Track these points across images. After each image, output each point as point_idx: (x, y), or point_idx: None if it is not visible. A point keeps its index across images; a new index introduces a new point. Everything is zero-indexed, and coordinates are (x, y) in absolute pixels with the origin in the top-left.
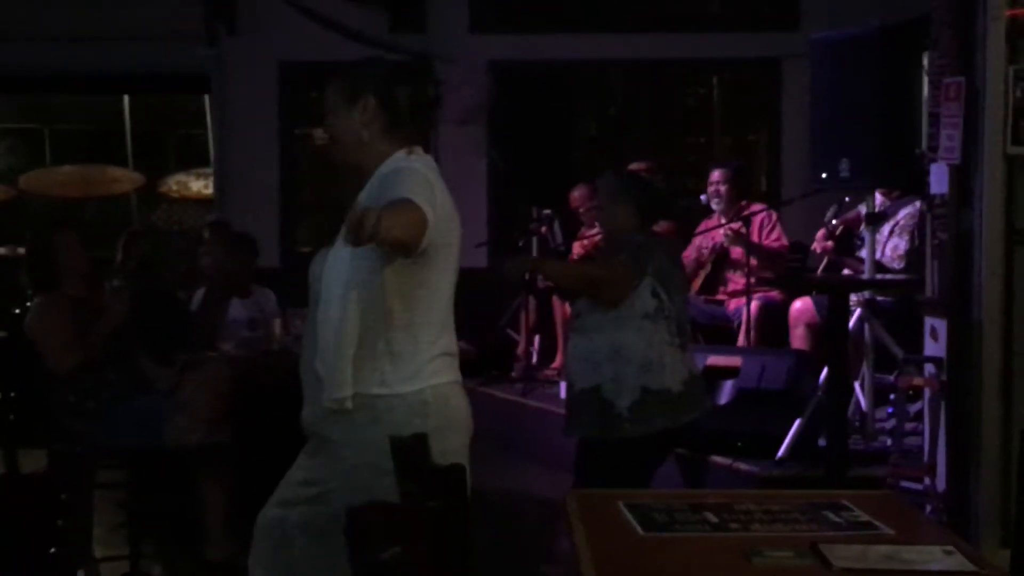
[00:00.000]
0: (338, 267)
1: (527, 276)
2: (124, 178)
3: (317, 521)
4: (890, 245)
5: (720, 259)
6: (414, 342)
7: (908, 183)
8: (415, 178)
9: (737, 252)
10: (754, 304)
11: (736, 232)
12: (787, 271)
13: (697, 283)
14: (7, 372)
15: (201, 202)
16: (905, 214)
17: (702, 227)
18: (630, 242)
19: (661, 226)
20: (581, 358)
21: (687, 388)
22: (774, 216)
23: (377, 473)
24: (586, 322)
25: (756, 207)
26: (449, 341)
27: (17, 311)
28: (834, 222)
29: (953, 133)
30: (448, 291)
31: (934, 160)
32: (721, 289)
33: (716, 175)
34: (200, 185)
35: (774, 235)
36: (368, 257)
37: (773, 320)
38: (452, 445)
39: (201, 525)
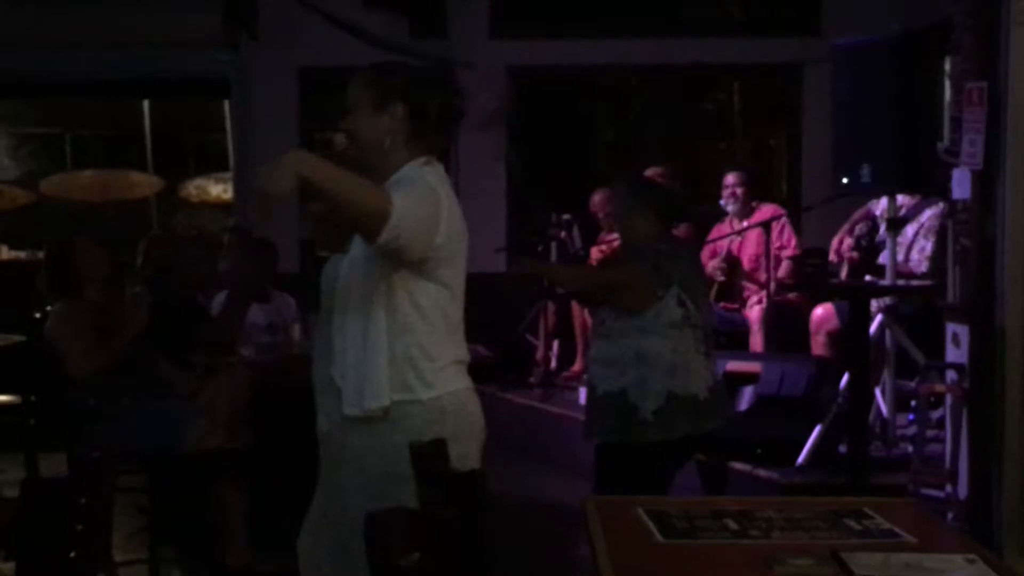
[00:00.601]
0: (352, 275)
1: (545, 284)
2: (144, 182)
3: (341, 538)
4: (916, 247)
5: (733, 266)
6: (429, 349)
7: (930, 188)
8: (419, 188)
9: (748, 261)
10: (764, 307)
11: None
12: (807, 276)
13: (713, 290)
14: (27, 376)
15: (220, 207)
16: (930, 215)
17: (715, 233)
18: (654, 252)
19: (680, 230)
20: (606, 362)
21: (712, 395)
22: (785, 220)
23: (396, 480)
24: (612, 328)
25: (766, 208)
26: (461, 347)
27: (37, 315)
28: (862, 230)
29: (976, 138)
30: (459, 298)
31: (955, 164)
32: (739, 296)
33: (731, 178)
34: (219, 190)
35: (786, 236)
36: (379, 264)
37: (787, 324)
38: (468, 450)
39: (220, 530)
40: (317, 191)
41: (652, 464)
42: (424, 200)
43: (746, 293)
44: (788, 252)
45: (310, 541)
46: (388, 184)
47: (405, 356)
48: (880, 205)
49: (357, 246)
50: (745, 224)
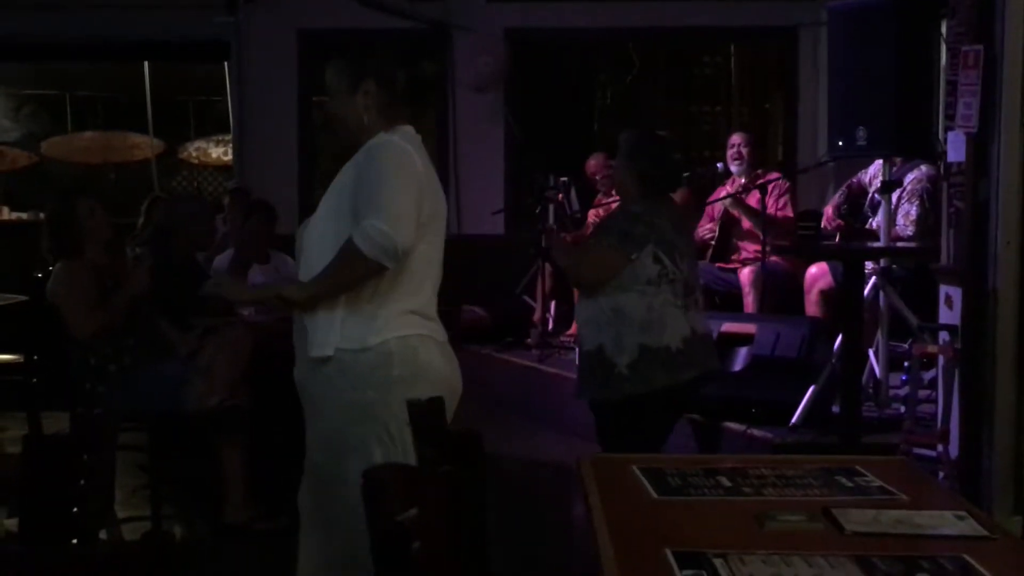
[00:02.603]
0: (316, 235)
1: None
2: (144, 144)
3: (316, 486)
4: (900, 212)
5: (728, 225)
6: (385, 299)
7: (925, 151)
8: (392, 162)
9: (747, 222)
10: (756, 269)
11: (735, 197)
12: (800, 239)
13: (709, 250)
14: (29, 336)
15: (220, 169)
16: (911, 179)
17: (718, 194)
18: (625, 215)
19: (678, 194)
20: (586, 321)
21: (687, 346)
22: (786, 185)
23: (348, 423)
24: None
25: (772, 175)
26: (424, 301)
27: (39, 276)
28: (840, 200)
29: (971, 101)
30: (427, 256)
31: (951, 128)
32: (733, 257)
33: (737, 138)
34: (219, 152)
35: (781, 203)
36: (342, 223)
37: (779, 287)
38: (414, 395)
39: (220, 488)
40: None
41: (637, 417)
42: (396, 186)
43: (742, 255)
44: (783, 213)
45: (302, 494)
46: (362, 152)
47: (357, 308)
48: (870, 172)
49: (322, 206)
50: (744, 181)
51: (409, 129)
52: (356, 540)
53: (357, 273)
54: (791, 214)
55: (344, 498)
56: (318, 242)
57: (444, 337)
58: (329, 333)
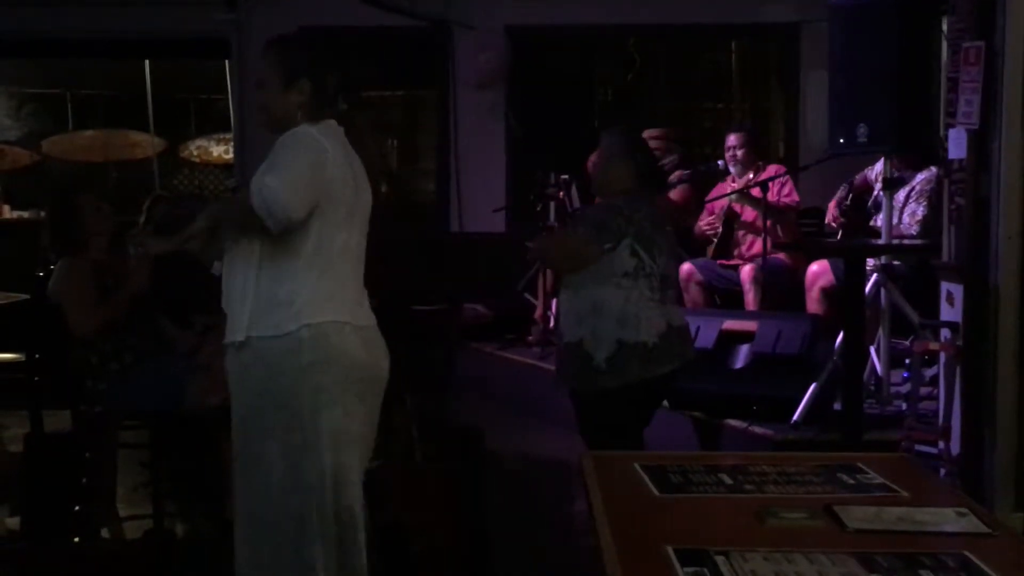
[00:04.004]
0: None
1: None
2: (146, 143)
3: (241, 470)
4: (907, 211)
5: (731, 221)
6: (298, 289)
7: (926, 148)
8: (300, 149)
9: (749, 214)
10: (756, 266)
11: (741, 191)
12: (802, 235)
13: (711, 247)
14: (31, 335)
15: (222, 167)
16: (922, 179)
17: (716, 192)
18: (604, 209)
19: (677, 192)
20: (567, 313)
21: (663, 341)
22: (787, 177)
23: (263, 408)
24: (571, 279)
25: (772, 168)
26: (336, 287)
27: (40, 274)
28: (841, 194)
29: (972, 98)
30: (347, 245)
31: (952, 125)
32: (736, 253)
33: (733, 139)
34: (221, 150)
35: (786, 190)
36: None
37: (780, 284)
38: (326, 380)
39: (222, 485)
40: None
41: (613, 409)
42: (302, 161)
43: (744, 251)
44: (788, 199)
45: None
46: (280, 141)
47: (273, 295)
48: (876, 169)
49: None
50: (747, 177)
51: (331, 123)
52: (279, 521)
53: (247, 222)
54: (797, 198)
55: (265, 481)
56: None
57: (367, 322)
58: (242, 317)
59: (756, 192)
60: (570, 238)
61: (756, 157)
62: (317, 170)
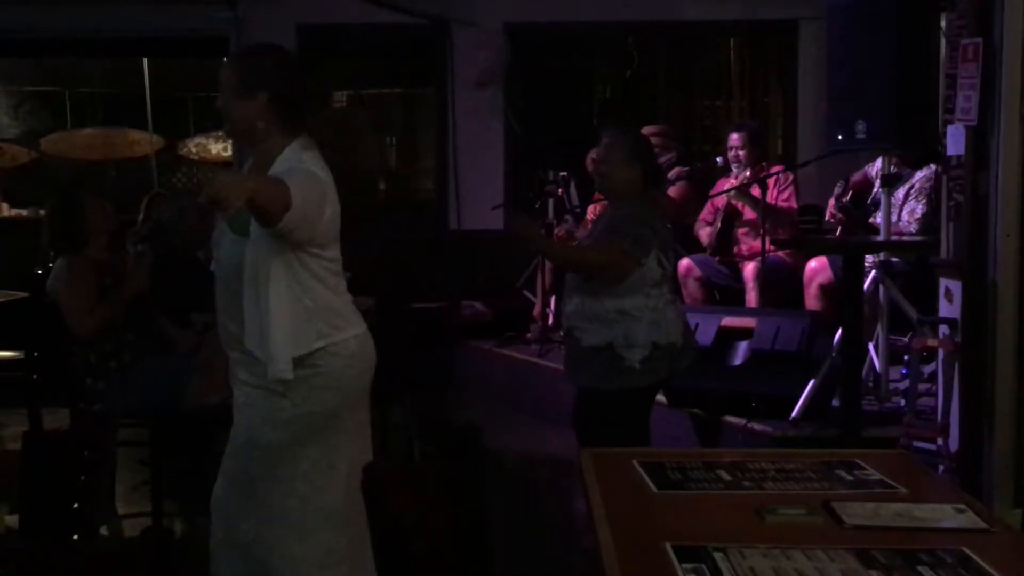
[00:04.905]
0: (228, 242)
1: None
2: (144, 141)
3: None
4: (906, 209)
5: (730, 218)
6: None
7: (924, 145)
8: (306, 177)
9: (750, 212)
10: (757, 264)
11: (739, 188)
12: (801, 232)
13: (710, 244)
14: (30, 333)
15: (220, 164)
16: (921, 177)
17: (719, 187)
18: (633, 218)
19: (675, 189)
20: (588, 317)
21: (685, 339)
22: (790, 177)
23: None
24: (594, 285)
25: (775, 168)
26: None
27: (39, 272)
28: (839, 190)
29: (970, 94)
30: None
31: (950, 121)
32: (735, 250)
33: (735, 138)
34: (219, 148)
35: (785, 195)
36: (278, 246)
37: (780, 281)
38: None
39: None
40: (254, 205)
41: (637, 406)
42: (312, 189)
43: (743, 249)
44: (787, 203)
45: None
46: (277, 173)
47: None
48: (876, 166)
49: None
50: (744, 175)
51: (307, 140)
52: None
53: (275, 200)
54: (795, 205)
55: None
56: (229, 248)
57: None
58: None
59: (755, 190)
60: (616, 252)
61: (758, 156)
62: (318, 206)
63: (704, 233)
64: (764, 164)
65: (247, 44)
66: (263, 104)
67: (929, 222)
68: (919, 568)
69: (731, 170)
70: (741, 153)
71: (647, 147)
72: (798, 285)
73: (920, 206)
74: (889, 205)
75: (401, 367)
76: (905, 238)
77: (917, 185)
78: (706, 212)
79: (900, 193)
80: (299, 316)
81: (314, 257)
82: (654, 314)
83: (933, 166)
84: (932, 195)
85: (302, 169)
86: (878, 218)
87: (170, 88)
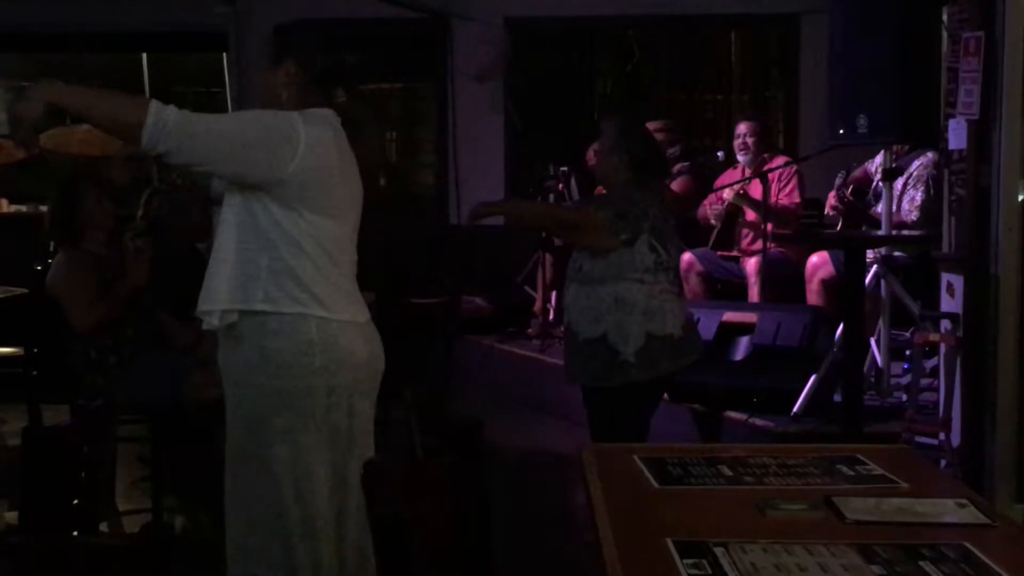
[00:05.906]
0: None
1: (543, 235)
2: None
3: None
4: (906, 198)
5: (732, 214)
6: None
7: (927, 139)
8: (261, 115)
9: (751, 212)
10: (759, 259)
11: (739, 192)
12: (802, 227)
13: (712, 237)
14: (29, 328)
15: None
16: (918, 165)
17: (725, 179)
18: (623, 200)
19: (677, 183)
20: (584, 308)
21: (686, 333)
22: (793, 171)
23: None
24: (589, 274)
25: (779, 160)
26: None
27: (39, 268)
28: (839, 181)
29: (972, 88)
30: (336, 236)
31: (952, 115)
32: (737, 246)
33: (743, 128)
34: None
35: (787, 189)
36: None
37: (782, 276)
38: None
39: (221, 479)
40: (72, 112)
41: (637, 402)
42: (252, 124)
43: (745, 244)
44: (789, 199)
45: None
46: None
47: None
48: (876, 161)
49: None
50: (749, 172)
51: (327, 112)
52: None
53: (112, 116)
54: (797, 199)
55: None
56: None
57: (366, 318)
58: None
59: (757, 185)
60: (588, 212)
61: (765, 147)
62: (255, 146)
63: (710, 213)
64: (766, 156)
65: (246, 40)
66: (292, 73)
67: (929, 209)
68: (921, 563)
69: (737, 161)
70: (749, 141)
71: (640, 134)
72: (800, 280)
73: (919, 194)
74: (891, 200)
75: (401, 362)
76: (906, 231)
77: (915, 173)
78: (712, 201)
79: (898, 183)
80: (247, 269)
81: (296, 217)
82: (650, 302)
83: (930, 154)
84: (930, 182)
85: (263, 112)
86: (879, 208)
87: (169, 83)
